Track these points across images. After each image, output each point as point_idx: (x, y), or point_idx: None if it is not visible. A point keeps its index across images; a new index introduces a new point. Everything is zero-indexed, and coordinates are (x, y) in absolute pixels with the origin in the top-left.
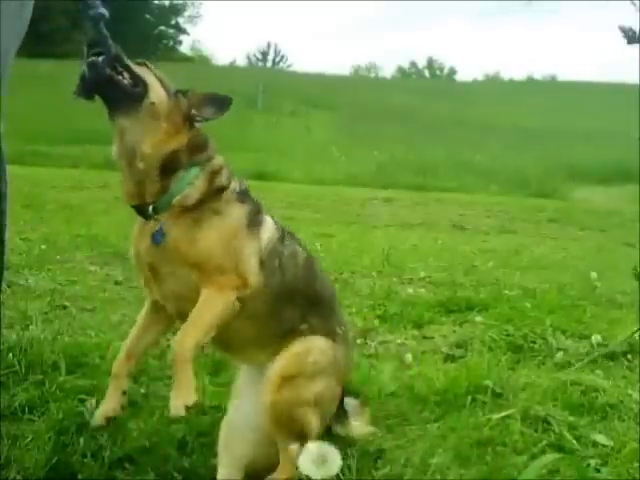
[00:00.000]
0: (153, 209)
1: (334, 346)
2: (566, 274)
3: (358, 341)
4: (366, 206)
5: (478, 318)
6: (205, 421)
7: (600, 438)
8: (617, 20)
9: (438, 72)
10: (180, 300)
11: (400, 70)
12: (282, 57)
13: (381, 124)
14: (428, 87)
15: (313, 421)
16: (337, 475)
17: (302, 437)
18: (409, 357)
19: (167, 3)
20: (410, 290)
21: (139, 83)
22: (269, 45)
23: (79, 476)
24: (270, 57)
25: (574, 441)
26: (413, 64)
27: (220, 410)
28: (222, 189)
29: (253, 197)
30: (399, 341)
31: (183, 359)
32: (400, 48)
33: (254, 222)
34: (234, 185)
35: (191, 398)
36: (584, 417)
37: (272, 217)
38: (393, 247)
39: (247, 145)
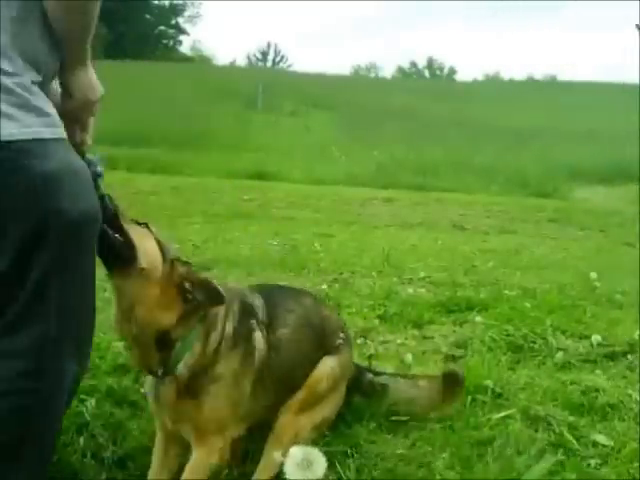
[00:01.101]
0: (162, 373)
1: (338, 358)
2: (566, 274)
3: (358, 341)
4: (366, 206)
5: (478, 318)
6: None
7: (600, 438)
8: (617, 20)
9: (438, 72)
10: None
11: (400, 70)
12: (282, 57)
13: (381, 124)
14: (428, 87)
15: (312, 435)
16: (338, 476)
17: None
18: (409, 357)
19: (167, 3)
20: (410, 290)
21: (130, 246)
22: (269, 45)
23: (79, 476)
24: (270, 57)
25: (574, 441)
26: (413, 64)
27: None
28: (219, 344)
29: (246, 314)
30: (399, 341)
31: None
32: (400, 48)
33: (247, 361)
34: (228, 329)
35: None
36: (584, 417)
37: (257, 321)
38: (393, 247)
39: (247, 145)
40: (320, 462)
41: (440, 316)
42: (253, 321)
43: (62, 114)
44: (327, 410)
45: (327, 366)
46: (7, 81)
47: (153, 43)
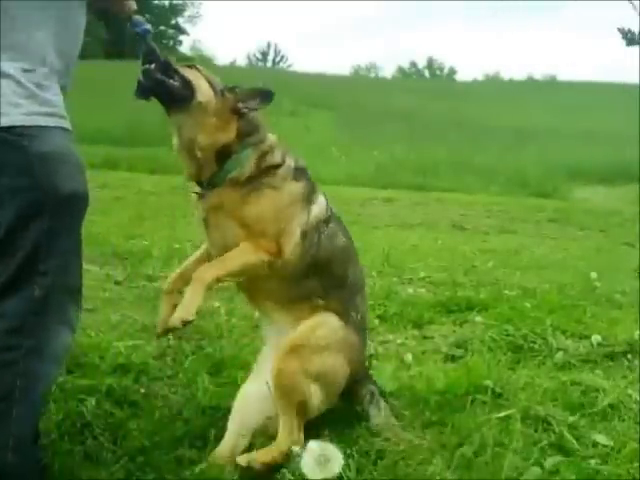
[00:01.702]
0: (210, 183)
1: (345, 327)
2: (566, 274)
3: None
4: (366, 206)
5: (478, 318)
6: (205, 421)
7: (600, 438)
8: (617, 20)
9: (438, 72)
10: (223, 250)
11: (400, 70)
12: (282, 57)
13: (381, 124)
14: (428, 87)
15: (315, 396)
16: (338, 476)
17: (303, 410)
18: (409, 357)
19: (167, 3)
20: (410, 290)
21: (187, 85)
22: (269, 45)
23: (79, 476)
24: (270, 57)
25: (574, 441)
26: (413, 64)
27: (220, 410)
28: (276, 166)
29: (309, 176)
30: (399, 341)
31: (200, 281)
32: (400, 48)
33: (307, 199)
34: (289, 162)
35: (191, 315)
36: (584, 417)
37: (325, 198)
38: (393, 247)
39: None
40: (337, 459)
41: (440, 316)
42: (319, 189)
43: None
44: (322, 364)
45: (328, 320)
46: (21, 77)
47: None
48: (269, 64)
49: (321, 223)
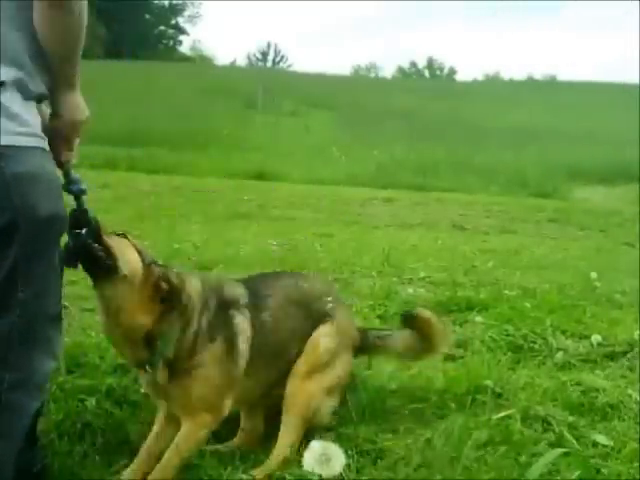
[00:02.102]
0: (149, 366)
1: (333, 323)
2: (566, 274)
3: None
4: (366, 206)
5: (478, 318)
6: None
7: (600, 438)
8: (617, 20)
9: (438, 72)
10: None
11: (400, 70)
12: (282, 57)
13: (381, 124)
14: (428, 87)
15: (327, 406)
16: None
17: (310, 422)
18: None
19: (167, 3)
20: (410, 290)
21: (111, 256)
22: (269, 45)
23: (79, 476)
24: (270, 57)
25: (574, 441)
26: (413, 64)
27: None
28: (195, 339)
29: (223, 305)
30: None
31: None
32: (400, 48)
33: (229, 349)
34: (204, 324)
35: None
36: (584, 417)
37: (239, 308)
38: (393, 247)
39: (247, 145)
40: (338, 458)
41: (440, 316)
42: (232, 311)
43: (50, 133)
44: (335, 373)
45: (321, 333)
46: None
47: (153, 43)
48: (269, 64)
49: (253, 335)
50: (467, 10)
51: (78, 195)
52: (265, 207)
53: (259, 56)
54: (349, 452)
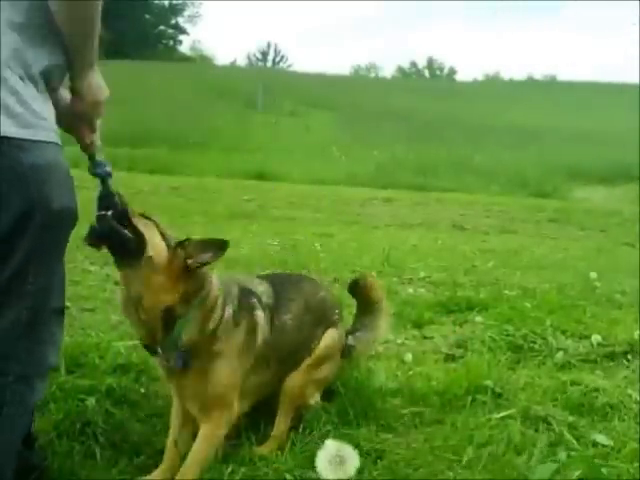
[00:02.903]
0: (162, 349)
1: (338, 329)
2: (566, 274)
3: None
4: (366, 206)
5: (478, 318)
6: None
7: (600, 438)
8: (617, 20)
9: (438, 72)
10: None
11: (400, 70)
12: (282, 57)
13: (381, 124)
14: (428, 87)
15: (315, 398)
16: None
17: (301, 411)
18: (409, 357)
19: (167, 3)
20: (410, 290)
21: (139, 238)
22: (269, 45)
23: (79, 476)
24: (270, 57)
25: (574, 441)
26: (413, 64)
27: None
28: (217, 326)
29: (245, 295)
30: (399, 341)
31: None
32: (400, 48)
33: (250, 337)
34: (228, 312)
35: None
36: (584, 417)
37: (260, 301)
38: (393, 247)
39: (247, 145)
40: (353, 461)
41: (440, 316)
42: (254, 300)
43: (72, 116)
44: (327, 371)
45: (330, 337)
46: (17, 84)
47: (153, 43)
48: (269, 64)
49: (270, 333)
50: (467, 10)
51: (104, 178)
52: (265, 207)
53: (259, 56)
54: None
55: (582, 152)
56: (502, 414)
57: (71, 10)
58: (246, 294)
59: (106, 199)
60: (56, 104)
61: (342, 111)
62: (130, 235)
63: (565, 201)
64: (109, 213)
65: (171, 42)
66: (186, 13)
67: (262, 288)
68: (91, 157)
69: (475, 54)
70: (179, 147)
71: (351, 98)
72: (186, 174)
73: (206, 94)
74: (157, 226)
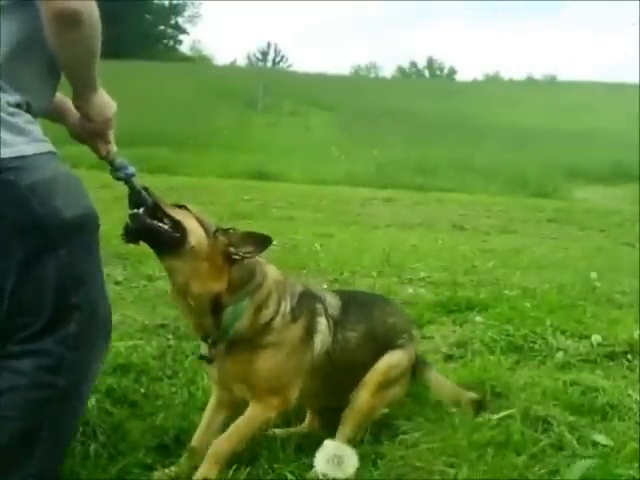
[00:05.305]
0: (213, 340)
1: (404, 351)
2: (566, 274)
3: None
4: (366, 206)
5: (478, 318)
6: None
7: (600, 438)
8: (617, 20)
9: (438, 72)
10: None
11: (400, 70)
12: (282, 57)
13: (381, 124)
14: (428, 87)
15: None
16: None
17: None
18: None
19: (167, 3)
20: (410, 290)
21: (179, 228)
22: (269, 45)
23: (79, 476)
24: (270, 57)
25: (574, 441)
26: (413, 64)
27: None
28: (272, 318)
29: (309, 298)
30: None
31: (214, 461)
32: (400, 48)
33: (309, 334)
34: (284, 307)
35: None
36: (584, 417)
37: (326, 310)
38: (393, 247)
39: (247, 145)
40: (351, 461)
41: (440, 316)
42: (319, 306)
43: (85, 133)
44: (395, 392)
45: (395, 357)
46: None
47: (153, 43)
48: (269, 64)
49: (331, 343)
50: (467, 10)
51: (128, 179)
52: (265, 207)
53: (259, 56)
54: None
55: (582, 152)
56: (502, 414)
57: (65, 45)
58: (311, 298)
59: (135, 197)
60: (66, 120)
61: (342, 111)
62: (168, 227)
63: (565, 201)
64: (141, 211)
65: (171, 42)
66: (186, 13)
67: (331, 300)
68: (111, 163)
69: (475, 54)
70: (179, 147)
71: (351, 98)
72: (186, 174)
73: (206, 94)
74: (192, 213)
